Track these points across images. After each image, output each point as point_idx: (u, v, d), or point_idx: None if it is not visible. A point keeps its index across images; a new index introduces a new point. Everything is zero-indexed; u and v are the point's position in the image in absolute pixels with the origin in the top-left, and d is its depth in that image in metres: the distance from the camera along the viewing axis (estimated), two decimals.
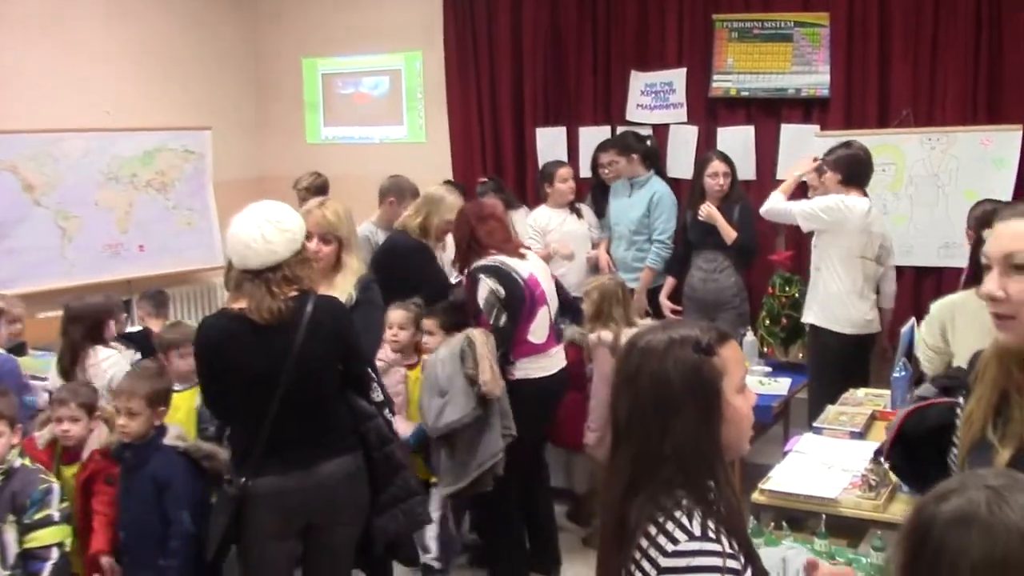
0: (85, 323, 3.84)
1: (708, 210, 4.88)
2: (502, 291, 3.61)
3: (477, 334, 3.55)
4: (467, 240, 3.75)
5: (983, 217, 3.51)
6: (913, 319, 3.73)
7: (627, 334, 3.89)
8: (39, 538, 2.82)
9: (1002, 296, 1.46)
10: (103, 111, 6.13)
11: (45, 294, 5.37)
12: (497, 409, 3.57)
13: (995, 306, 1.47)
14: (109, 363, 3.78)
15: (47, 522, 2.84)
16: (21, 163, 5.73)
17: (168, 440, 3.05)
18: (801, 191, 4.67)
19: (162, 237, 6.45)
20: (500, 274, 3.64)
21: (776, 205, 4.41)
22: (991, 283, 1.47)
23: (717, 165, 4.93)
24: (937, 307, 3.35)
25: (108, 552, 3.09)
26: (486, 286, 3.62)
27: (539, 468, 4.05)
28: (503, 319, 3.61)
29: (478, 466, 3.52)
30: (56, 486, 2.93)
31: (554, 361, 3.81)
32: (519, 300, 3.65)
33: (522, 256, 3.78)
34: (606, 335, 4.00)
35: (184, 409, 3.45)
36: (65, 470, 3.25)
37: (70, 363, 3.76)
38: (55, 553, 2.84)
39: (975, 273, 3.34)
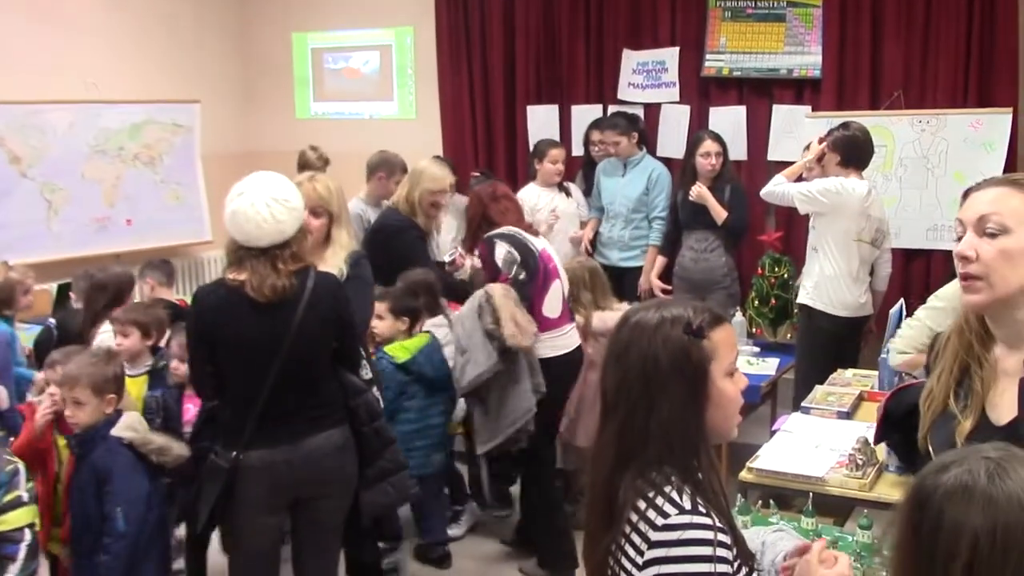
0: (109, 292, 3.70)
1: (699, 190, 4.87)
2: (517, 255, 3.64)
3: (496, 288, 3.54)
4: (479, 219, 3.79)
5: None
6: (902, 301, 3.72)
7: (597, 317, 3.94)
8: (9, 520, 2.64)
9: (973, 256, 1.52)
10: (88, 82, 6.06)
11: (31, 267, 5.31)
12: (524, 364, 3.55)
13: (965, 266, 1.53)
14: (104, 337, 3.71)
15: (16, 504, 2.66)
16: (7, 135, 5.66)
17: (116, 430, 2.86)
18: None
19: (150, 211, 6.40)
20: (515, 241, 3.68)
21: (776, 188, 4.39)
22: (964, 244, 1.54)
23: (709, 145, 4.92)
24: (951, 293, 3.18)
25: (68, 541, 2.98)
26: (503, 248, 3.65)
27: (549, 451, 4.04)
28: (523, 275, 3.62)
29: (511, 423, 3.51)
30: (22, 466, 2.74)
31: (569, 339, 3.80)
32: (533, 268, 3.67)
33: (535, 234, 3.84)
34: (576, 319, 4.00)
35: (132, 396, 3.25)
36: (60, 439, 3.14)
37: (90, 333, 3.61)
38: (28, 534, 2.66)
39: None
